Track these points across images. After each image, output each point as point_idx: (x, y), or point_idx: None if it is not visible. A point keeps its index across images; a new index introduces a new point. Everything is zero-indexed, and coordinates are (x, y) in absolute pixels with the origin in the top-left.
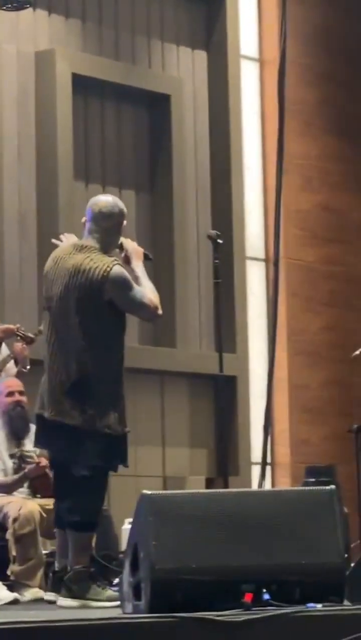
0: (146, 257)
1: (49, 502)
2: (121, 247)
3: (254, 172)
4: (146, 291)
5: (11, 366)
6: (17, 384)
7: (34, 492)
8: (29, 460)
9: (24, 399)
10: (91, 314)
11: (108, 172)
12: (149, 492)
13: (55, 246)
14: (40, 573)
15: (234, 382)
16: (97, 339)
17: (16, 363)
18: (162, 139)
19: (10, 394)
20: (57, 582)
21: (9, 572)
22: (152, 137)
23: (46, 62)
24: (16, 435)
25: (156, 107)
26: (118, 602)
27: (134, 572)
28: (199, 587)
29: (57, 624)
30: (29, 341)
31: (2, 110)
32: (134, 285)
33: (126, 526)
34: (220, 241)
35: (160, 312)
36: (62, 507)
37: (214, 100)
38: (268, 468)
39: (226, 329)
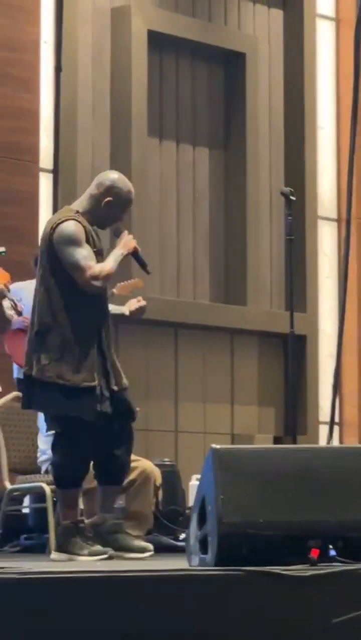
0: (143, 267)
1: None
2: (119, 235)
3: (328, 132)
4: (94, 261)
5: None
6: None
7: None
8: None
9: None
10: (48, 265)
11: (182, 129)
12: (218, 447)
13: None
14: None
15: (303, 341)
16: (54, 290)
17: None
18: (237, 97)
19: None
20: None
21: None
22: (227, 95)
23: (122, 18)
24: None
25: (231, 65)
26: (102, 556)
27: (201, 525)
28: (266, 541)
29: (121, 574)
30: None
31: (77, 65)
32: (80, 246)
33: (193, 482)
34: (293, 198)
35: (95, 283)
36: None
37: (289, 59)
38: (336, 427)
39: (297, 287)
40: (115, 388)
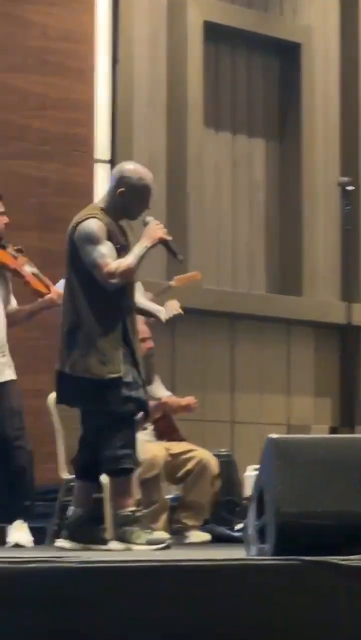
0: (174, 255)
1: (174, 446)
2: (146, 225)
3: None
4: (113, 259)
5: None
6: (147, 331)
7: (160, 436)
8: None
9: (152, 345)
10: (72, 263)
11: (238, 119)
12: (276, 436)
13: None
14: (163, 517)
15: (359, 332)
16: (76, 289)
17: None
18: (292, 87)
19: (143, 339)
20: (67, 530)
21: None
22: (282, 85)
23: (178, 9)
24: (148, 380)
25: (287, 55)
26: (159, 545)
27: (259, 515)
28: (323, 531)
29: (182, 564)
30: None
31: (134, 56)
32: (100, 243)
33: (249, 473)
34: (351, 188)
35: (112, 280)
36: (86, 457)
37: (345, 49)
38: None
39: (353, 278)
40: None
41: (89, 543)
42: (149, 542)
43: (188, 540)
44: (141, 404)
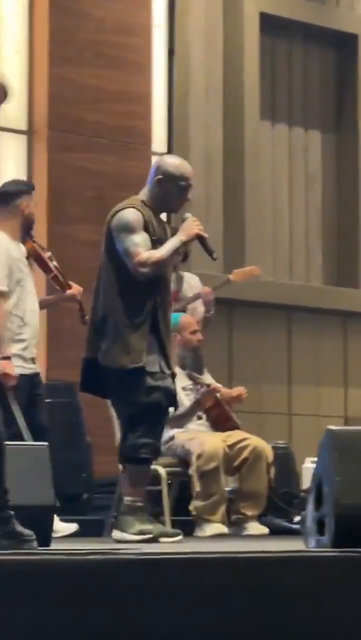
0: (209, 254)
1: (230, 437)
2: (184, 220)
3: None
4: (147, 248)
5: (199, 305)
6: (196, 324)
7: (214, 426)
8: (201, 384)
9: (202, 338)
10: (109, 252)
11: (294, 112)
12: (335, 428)
13: None
14: (222, 509)
15: None
16: (109, 278)
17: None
18: (349, 79)
19: (194, 332)
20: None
21: (191, 508)
22: (339, 77)
23: (234, 0)
24: (197, 372)
25: (343, 46)
26: (144, 536)
27: (318, 507)
28: None
29: (239, 556)
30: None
31: (190, 49)
32: (135, 233)
33: (307, 465)
34: None
35: (142, 270)
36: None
37: None
38: None
39: None
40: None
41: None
42: (139, 532)
43: (246, 532)
44: (168, 394)
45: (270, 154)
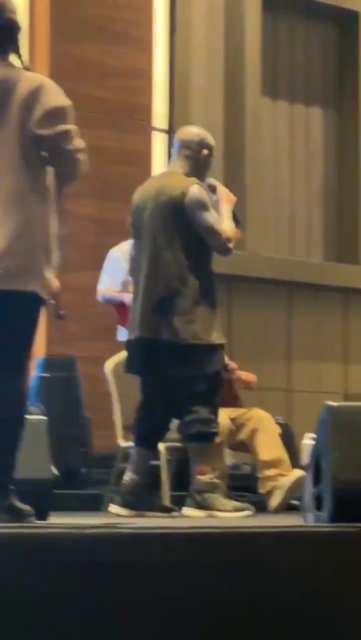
0: (237, 222)
1: (235, 413)
2: (214, 190)
3: None
4: (223, 223)
5: None
6: None
7: (222, 403)
8: None
9: None
10: (175, 230)
11: (295, 88)
12: (333, 404)
13: None
14: (223, 484)
15: None
16: (181, 254)
17: None
18: (350, 56)
19: None
20: (122, 497)
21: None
22: (340, 54)
23: None
24: None
25: (345, 23)
26: (245, 512)
27: (316, 483)
28: None
29: (236, 531)
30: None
31: (191, 25)
32: (212, 210)
33: (307, 441)
34: None
35: (231, 246)
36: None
37: None
38: None
39: None
40: None
41: (145, 510)
42: (236, 509)
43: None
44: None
45: (271, 130)
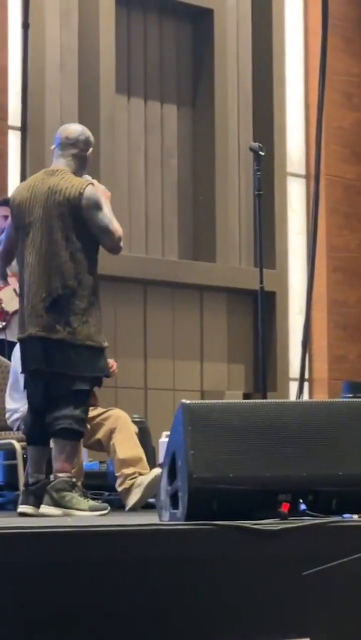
0: None
1: (93, 412)
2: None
3: (296, 87)
4: (115, 222)
5: None
6: None
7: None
8: None
9: None
10: (72, 229)
11: (150, 86)
12: (188, 402)
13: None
14: (78, 484)
15: (273, 298)
16: (79, 254)
17: None
18: (205, 53)
19: None
20: (31, 495)
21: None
22: (195, 51)
23: None
24: None
25: (199, 21)
26: (101, 512)
27: (171, 481)
28: (236, 496)
29: (90, 529)
30: None
31: (45, 22)
32: (106, 209)
33: (163, 439)
34: (262, 153)
35: (122, 245)
36: (42, 423)
37: (257, 15)
38: (306, 384)
39: (266, 244)
40: None
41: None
42: (92, 509)
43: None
44: None
45: (126, 128)
